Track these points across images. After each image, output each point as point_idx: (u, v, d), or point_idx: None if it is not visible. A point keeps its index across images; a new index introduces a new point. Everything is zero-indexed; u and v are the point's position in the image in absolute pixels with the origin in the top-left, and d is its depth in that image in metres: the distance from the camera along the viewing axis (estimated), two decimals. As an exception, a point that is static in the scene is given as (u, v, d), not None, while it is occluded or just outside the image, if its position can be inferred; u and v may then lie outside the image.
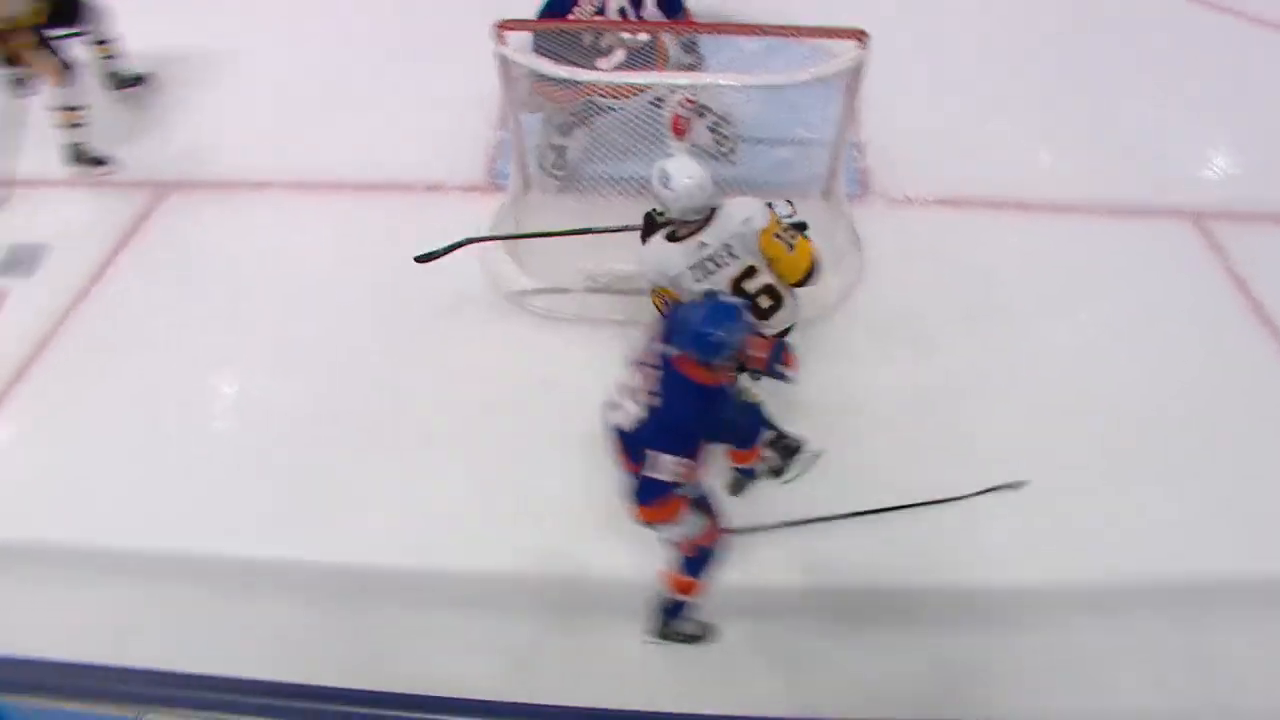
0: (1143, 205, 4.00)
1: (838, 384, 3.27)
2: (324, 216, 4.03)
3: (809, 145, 3.87)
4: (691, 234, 2.64)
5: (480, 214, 3.76)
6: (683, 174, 2.55)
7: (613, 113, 3.52)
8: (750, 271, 2.67)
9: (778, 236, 2.64)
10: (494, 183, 4.04)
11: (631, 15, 3.54)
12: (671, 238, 2.67)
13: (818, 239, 2.78)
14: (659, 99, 3.29)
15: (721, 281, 2.65)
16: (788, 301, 2.73)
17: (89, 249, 3.96)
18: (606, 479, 2.55)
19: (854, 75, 3.27)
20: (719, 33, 3.56)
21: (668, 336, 2.31)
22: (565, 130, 3.76)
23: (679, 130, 2.93)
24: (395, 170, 4.13)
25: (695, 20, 3.67)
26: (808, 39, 3.44)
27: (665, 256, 2.67)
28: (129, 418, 3.38)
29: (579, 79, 3.02)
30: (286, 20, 4.93)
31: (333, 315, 3.64)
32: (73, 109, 4.12)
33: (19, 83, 4.10)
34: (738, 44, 3.87)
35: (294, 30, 4.89)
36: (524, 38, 3.37)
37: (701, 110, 3.44)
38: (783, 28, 3.34)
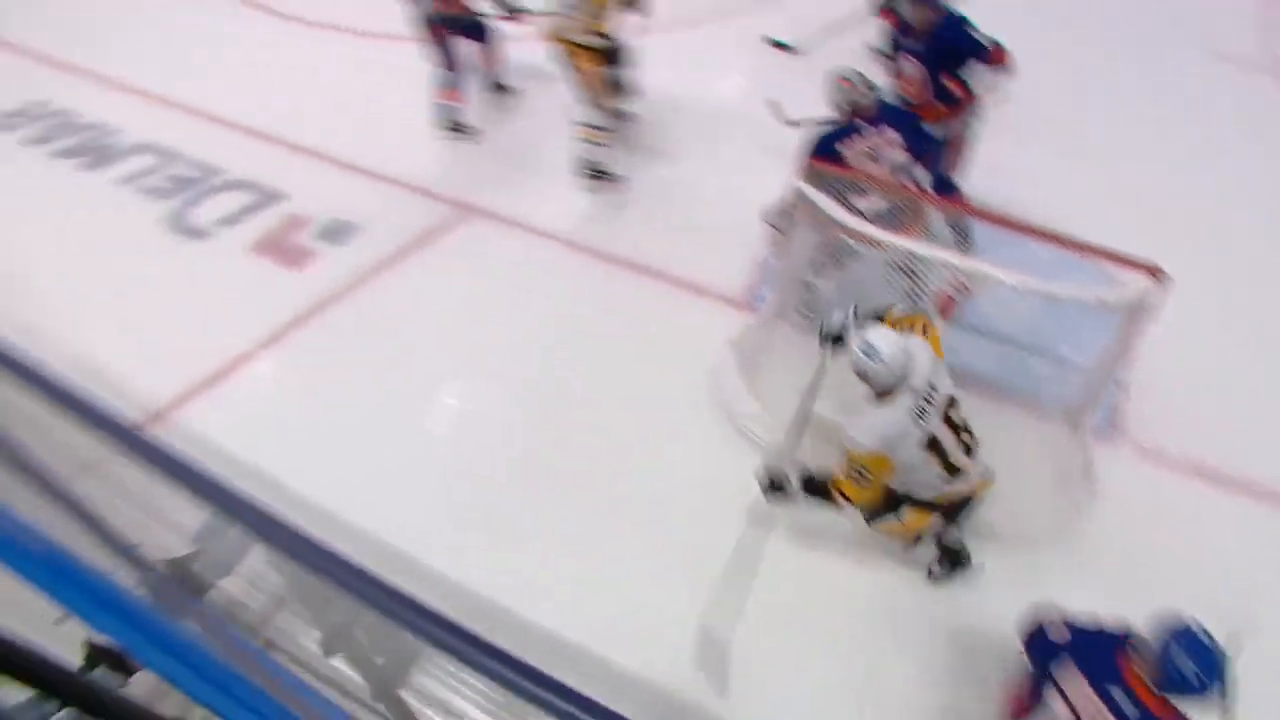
0: None
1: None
2: (585, 278, 4.37)
3: (1069, 365, 3.72)
4: (893, 393, 2.61)
5: (728, 328, 3.94)
6: (886, 345, 2.54)
7: (867, 261, 3.42)
8: (953, 401, 2.64)
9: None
10: (750, 302, 4.19)
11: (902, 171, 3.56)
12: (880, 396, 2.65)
13: (1050, 460, 2.61)
14: (915, 267, 3.22)
15: (936, 417, 2.62)
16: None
17: (390, 240, 4.54)
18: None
19: (1141, 310, 3.12)
20: (1005, 226, 3.52)
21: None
22: (819, 268, 3.76)
23: (947, 311, 2.92)
24: (664, 258, 4.41)
25: (977, 206, 3.66)
26: (1099, 260, 3.32)
27: (883, 419, 2.62)
28: (361, 394, 3.80)
29: (870, 233, 3.06)
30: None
31: (564, 368, 3.91)
32: (598, 129, 4.74)
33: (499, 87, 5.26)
34: (1026, 244, 3.82)
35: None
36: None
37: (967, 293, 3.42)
38: (1074, 241, 3.25)
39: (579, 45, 4.57)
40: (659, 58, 5.26)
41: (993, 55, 3.97)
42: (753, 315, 4.05)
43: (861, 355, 2.56)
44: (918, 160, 3.51)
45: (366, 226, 4.63)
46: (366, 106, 5.54)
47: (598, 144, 4.75)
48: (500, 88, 5.54)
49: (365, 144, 5.17)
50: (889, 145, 3.43)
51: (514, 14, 5.09)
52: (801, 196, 3.20)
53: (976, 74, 4.11)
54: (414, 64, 5.27)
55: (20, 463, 2.02)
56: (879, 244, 3.03)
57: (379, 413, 3.73)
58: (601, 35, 4.56)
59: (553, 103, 5.37)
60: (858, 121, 3.51)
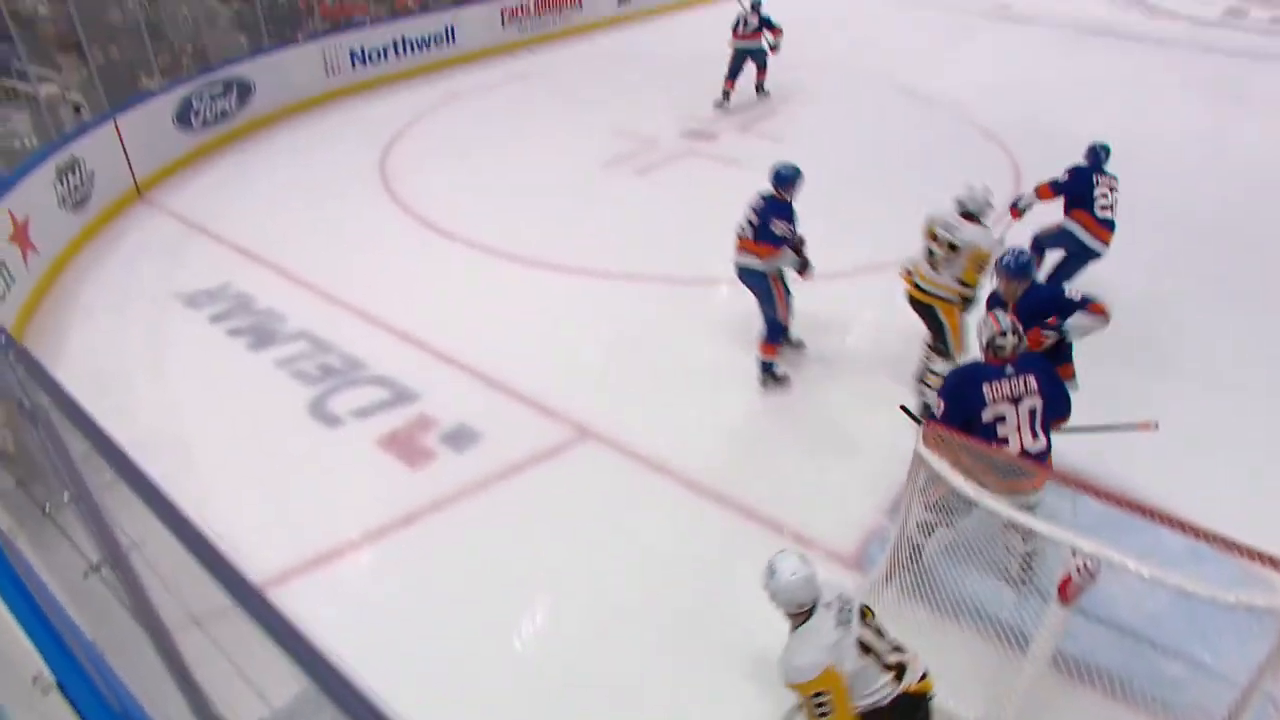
0: None
1: None
2: (694, 517, 4.37)
3: (1209, 676, 3.39)
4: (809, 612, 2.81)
5: (833, 585, 3.81)
6: (786, 566, 2.81)
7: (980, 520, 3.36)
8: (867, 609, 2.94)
9: None
10: (859, 561, 4.07)
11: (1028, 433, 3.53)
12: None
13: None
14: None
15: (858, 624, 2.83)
16: None
17: (508, 453, 4.72)
18: None
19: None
20: (1138, 513, 3.36)
21: None
22: (927, 528, 3.61)
23: (1066, 594, 2.76)
24: (777, 503, 4.39)
25: (1109, 492, 3.51)
26: (1244, 557, 3.10)
27: (811, 638, 2.77)
28: (451, 601, 3.86)
29: (988, 504, 3.01)
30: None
31: (658, 603, 3.87)
32: (938, 375, 4.77)
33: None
34: (1158, 533, 3.62)
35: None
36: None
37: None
38: (1218, 536, 3.06)
39: (945, 299, 4.77)
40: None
41: (1091, 307, 4.06)
42: (862, 576, 3.92)
43: (765, 577, 2.84)
44: (1050, 408, 3.57)
45: (489, 436, 4.85)
46: (506, 321, 5.98)
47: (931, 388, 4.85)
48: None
49: (501, 357, 5.51)
50: (1029, 393, 3.53)
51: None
52: (928, 466, 3.21)
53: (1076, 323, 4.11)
54: (558, 287, 5.73)
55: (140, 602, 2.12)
56: (999, 515, 2.97)
57: (465, 620, 3.76)
58: (968, 286, 4.75)
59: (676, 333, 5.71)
60: (1004, 365, 3.59)
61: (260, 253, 6.86)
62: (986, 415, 3.50)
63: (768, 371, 5.28)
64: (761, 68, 10.41)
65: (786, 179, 5.01)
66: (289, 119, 9.85)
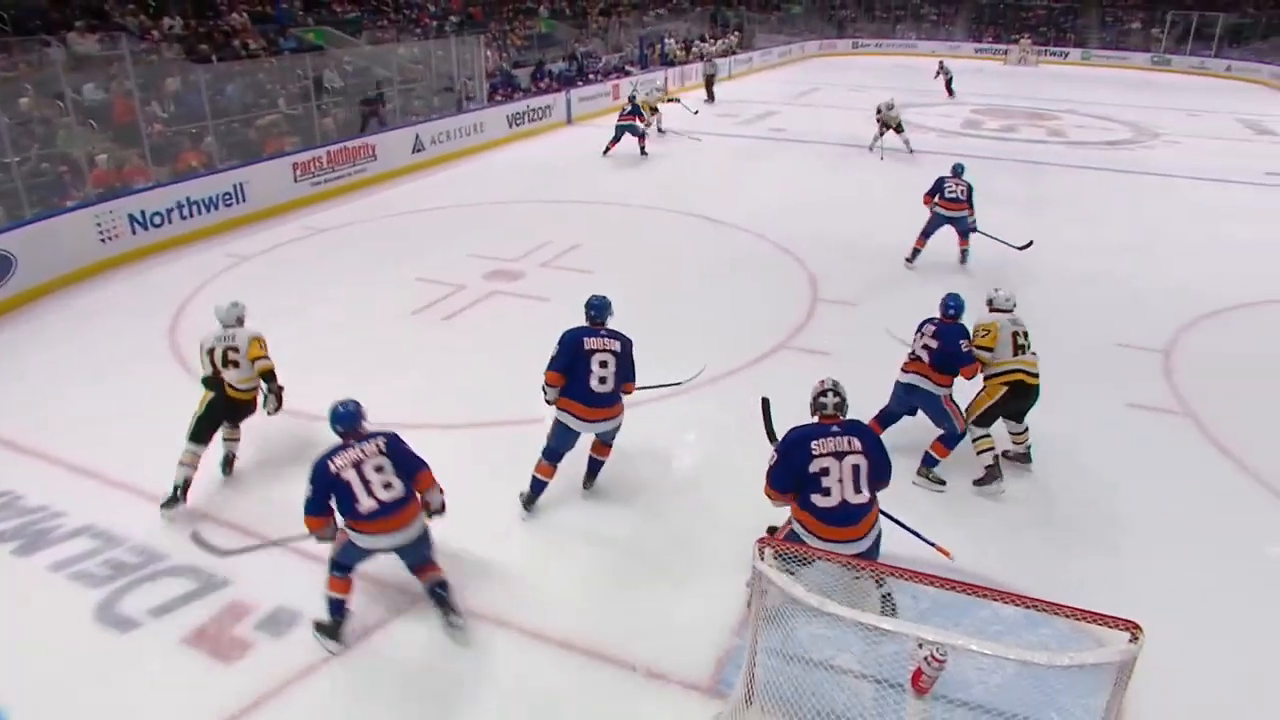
0: None
1: None
2: (527, 668, 4.14)
3: (1065, 733, 3.52)
4: None
5: (695, 715, 3.75)
6: None
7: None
8: None
9: None
10: (716, 688, 3.97)
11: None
12: None
13: None
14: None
15: None
16: None
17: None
18: None
19: (1123, 670, 3.03)
20: (973, 593, 3.55)
21: None
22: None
23: (920, 686, 2.81)
24: (625, 646, 4.22)
25: (939, 577, 3.70)
26: (1073, 619, 3.30)
27: None
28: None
29: (832, 612, 3.05)
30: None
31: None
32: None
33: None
34: (993, 606, 3.81)
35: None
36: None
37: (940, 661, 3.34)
38: (1046, 602, 3.26)
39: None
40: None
41: (965, 371, 5.39)
42: (721, 703, 3.81)
43: None
44: (874, 471, 3.99)
45: (312, 614, 4.41)
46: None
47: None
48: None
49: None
50: (853, 451, 3.95)
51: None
52: (769, 581, 3.22)
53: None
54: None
55: None
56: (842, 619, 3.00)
57: None
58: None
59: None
60: (831, 425, 4.06)
61: (32, 444, 6.14)
62: (812, 467, 3.92)
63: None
64: (641, 136, 15.40)
65: (597, 307, 5.17)
66: (61, 291, 9.11)
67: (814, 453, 3.93)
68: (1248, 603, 4.67)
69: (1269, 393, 7.08)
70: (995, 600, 3.21)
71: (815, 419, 4.16)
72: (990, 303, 5.73)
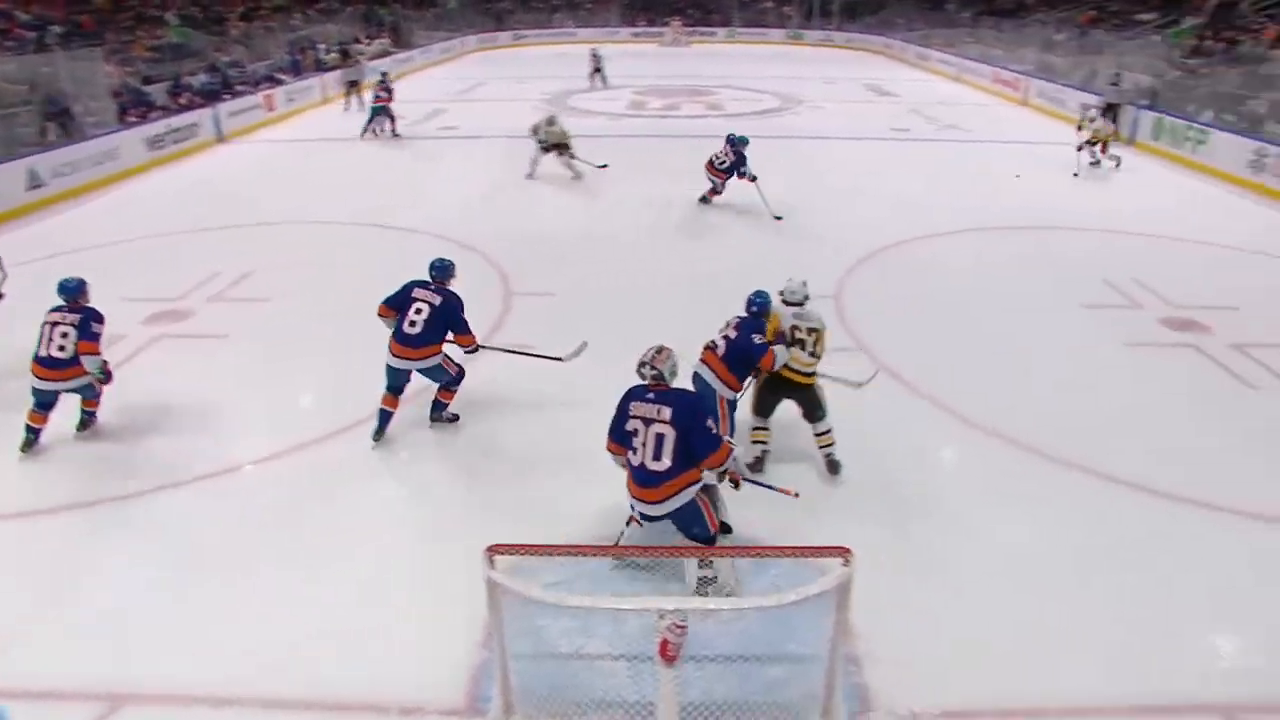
0: (1163, 702, 3.94)
1: None
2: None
3: (803, 662, 3.84)
4: None
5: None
6: None
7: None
8: None
9: None
10: (475, 706, 3.86)
11: None
12: None
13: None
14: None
15: None
16: None
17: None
18: None
19: (842, 592, 3.36)
20: (703, 555, 3.78)
21: None
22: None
23: (668, 655, 2.91)
24: (370, 688, 3.96)
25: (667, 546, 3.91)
26: (794, 555, 3.61)
27: None
28: None
29: (573, 604, 3.07)
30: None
31: None
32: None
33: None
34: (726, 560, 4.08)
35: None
36: (513, 561, 3.53)
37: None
38: (766, 548, 3.55)
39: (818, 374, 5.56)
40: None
41: (763, 362, 5.28)
42: (482, 718, 3.73)
43: None
44: (685, 442, 4.14)
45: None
46: None
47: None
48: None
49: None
50: (660, 420, 4.15)
51: None
52: (505, 589, 3.17)
53: None
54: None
55: None
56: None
57: None
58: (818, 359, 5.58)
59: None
60: (650, 390, 4.27)
61: None
62: (627, 426, 4.24)
63: None
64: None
65: (438, 268, 6.05)
66: None
67: (629, 413, 4.25)
68: (923, 511, 5.31)
69: (923, 321, 8.21)
70: (720, 556, 3.42)
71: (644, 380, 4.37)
72: (780, 293, 5.71)
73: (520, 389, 6.73)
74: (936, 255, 10.32)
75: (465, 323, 5.97)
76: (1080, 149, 14.40)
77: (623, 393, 4.40)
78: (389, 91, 17.26)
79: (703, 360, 5.51)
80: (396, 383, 5.92)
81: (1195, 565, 4.89)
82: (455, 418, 6.32)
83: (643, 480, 4.21)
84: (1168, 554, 4.98)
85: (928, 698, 3.90)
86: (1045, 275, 9.67)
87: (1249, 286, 9.29)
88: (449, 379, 6.09)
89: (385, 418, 6.02)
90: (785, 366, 5.41)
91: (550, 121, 13.77)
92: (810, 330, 5.46)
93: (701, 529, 4.27)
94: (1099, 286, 9.25)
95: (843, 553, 3.28)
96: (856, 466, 5.65)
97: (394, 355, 5.82)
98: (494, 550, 3.19)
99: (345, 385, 6.64)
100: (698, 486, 4.27)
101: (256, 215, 12.06)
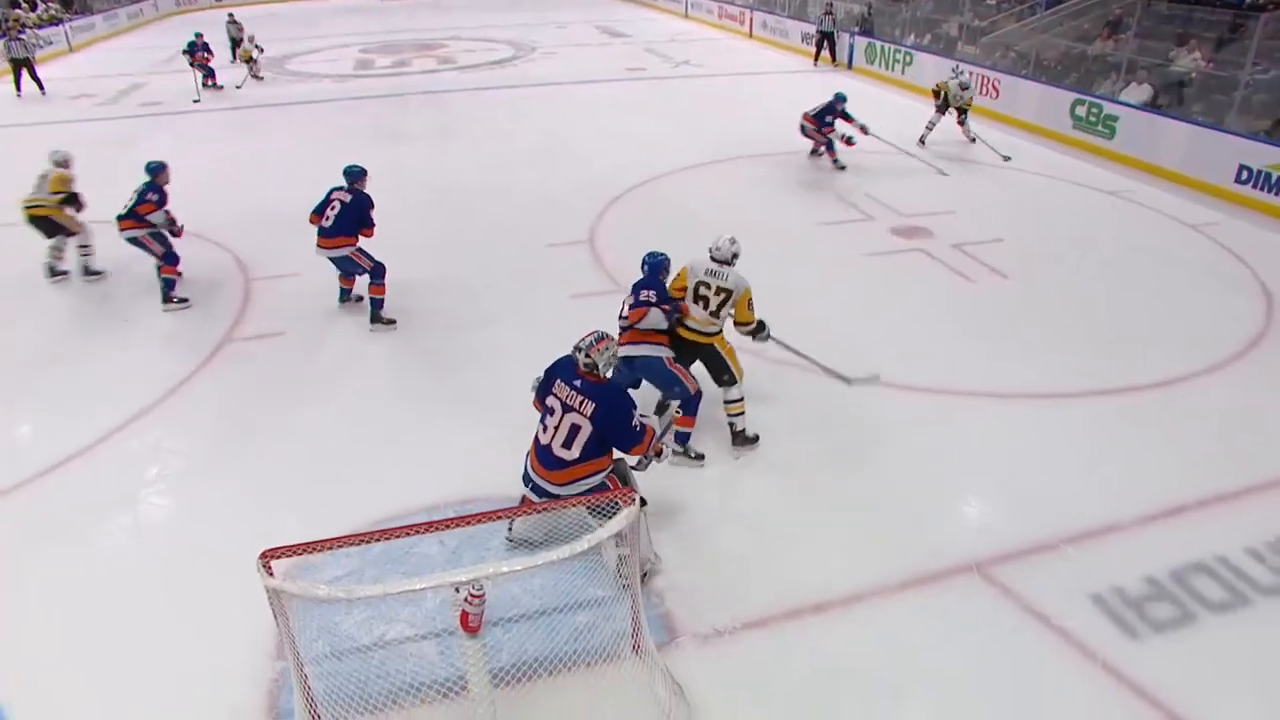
0: (929, 572, 4.46)
1: None
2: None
3: (606, 604, 4.00)
4: None
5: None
6: None
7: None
8: None
9: None
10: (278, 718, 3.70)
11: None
12: None
13: (638, 699, 2.70)
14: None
15: None
16: None
17: None
18: None
19: (632, 531, 3.51)
20: (499, 517, 3.80)
21: None
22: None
23: (469, 626, 2.91)
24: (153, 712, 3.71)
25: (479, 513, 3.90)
26: (581, 505, 3.71)
27: None
28: None
29: (362, 595, 2.98)
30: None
31: None
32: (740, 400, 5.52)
33: None
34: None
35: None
36: (294, 561, 3.37)
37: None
38: (561, 501, 3.65)
39: (720, 335, 5.41)
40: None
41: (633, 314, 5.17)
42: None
43: None
44: (603, 436, 4.07)
45: None
46: None
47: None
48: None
49: None
50: (579, 412, 4.05)
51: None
52: (286, 594, 3.01)
53: None
54: None
55: None
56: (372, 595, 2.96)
57: None
58: (745, 324, 5.51)
59: None
60: (579, 379, 4.13)
61: None
62: (547, 401, 4.16)
63: None
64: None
65: (350, 174, 7.07)
66: None
67: (552, 390, 4.17)
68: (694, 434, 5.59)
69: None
70: (508, 517, 3.46)
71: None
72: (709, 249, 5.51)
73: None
74: (683, 189, 10.77)
75: (371, 219, 7.01)
76: (933, 127, 12.72)
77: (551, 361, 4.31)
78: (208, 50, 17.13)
79: (624, 341, 5.15)
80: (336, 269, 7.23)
81: (936, 446, 5.58)
82: (392, 322, 7.14)
83: (547, 462, 4.10)
84: (913, 439, 5.65)
85: (727, 614, 4.21)
86: (787, 198, 10.38)
87: (962, 192, 10.51)
88: (363, 269, 7.04)
89: (344, 292, 7.52)
90: (682, 325, 5.30)
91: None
92: (719, 290, 5.25)
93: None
94: (835, 204, 10.08)
95: (628, 496, 3.42)
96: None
97: (318, 248, 6.98)
98: (268, 555, 3.03)
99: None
100: (605, 472, 4.18)
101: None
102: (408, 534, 3.21)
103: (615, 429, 4.09)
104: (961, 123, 12.59)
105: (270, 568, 3.04)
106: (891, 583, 4.40)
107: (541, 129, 13.73)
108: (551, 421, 4.10)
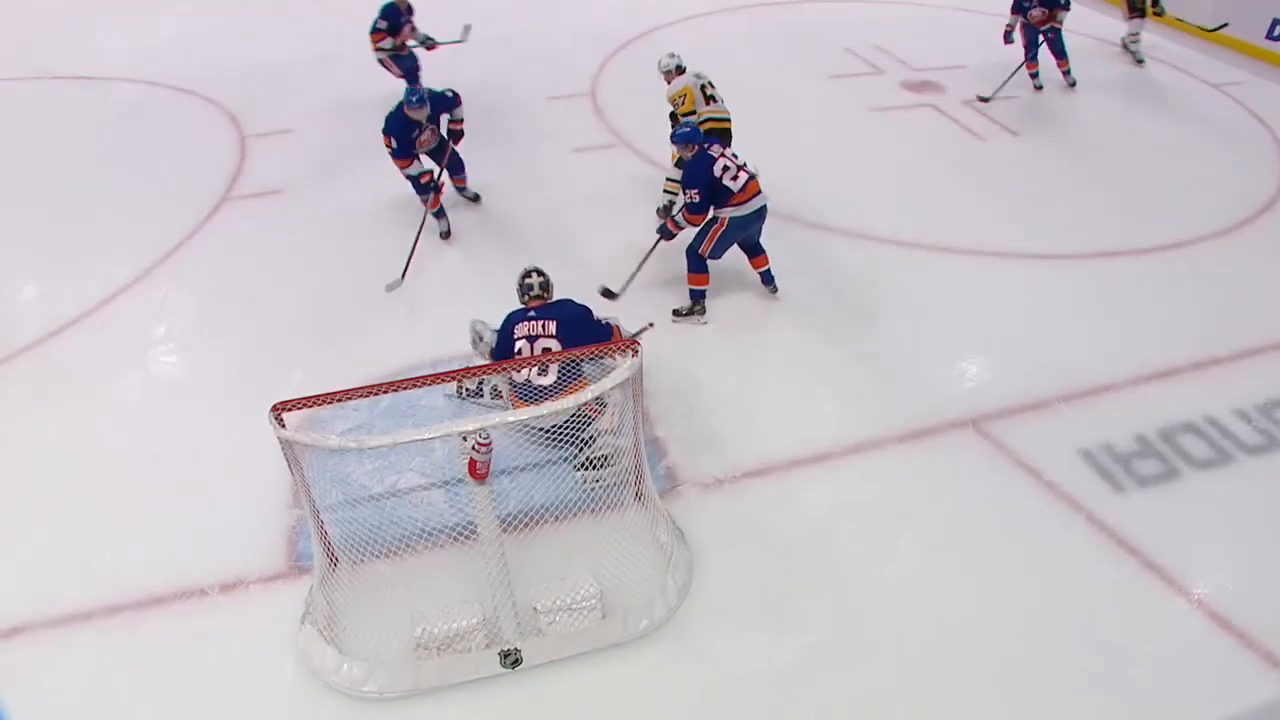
0: (925, 426, 4.61)
1: (700, 688, 3.36)
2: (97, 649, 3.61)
3: (611, 456, 4.12)
4: None
5: (287, 603, 3.65)
6: None
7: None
8: None
9: None
10: (297, 565, 3.88)
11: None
12: None
13: (640, 543, 2.83)
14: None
15: None
16: None
17: None
18: None
19: (635, 382, 3.59)
20: (504, 370, 3.92)
21: None
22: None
23: (477, 474, 3.02)
24: (179, 576, 3.86)
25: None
26: (595, 354, 3.78)
27: None
28: None
29: (372, 445, 3.06)
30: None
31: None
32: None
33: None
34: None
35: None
36: (304, 414, 3.47)
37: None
38: (566, 353, 3.75)
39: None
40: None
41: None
42: (311, 577, 3.72)
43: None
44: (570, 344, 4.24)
45: None
46: None
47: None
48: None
49: None
50: (545, 335, 4.30)
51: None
52: (299, 445, 3.11)
53: None
54: None
55: None
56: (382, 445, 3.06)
57: None
58: None
59: None
60: (531, 309, 4.44)
61: None
62: (515, 348, 4.30)
63: None
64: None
65: None
66: None
67: (514, 335, 4.34)
68: (683, 298, 5.56)
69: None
70: (513, 369, 3.52)
71: (524, 302, 4.53)
72: (667, 73, 6.34)
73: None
74: (679, 40, 10.24)
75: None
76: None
77: (503, 316, 4.48)
78: None
79: (749, 198, 5.23)
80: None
81: (937, 304, 5.63)
82: (476, 196, 6.79)
83: (528, 397, 4.18)
84: (914, 296, 5.70)
85: (728, 464, 4.36)
86: (792, 50, 9.99)
87: (974, 44, 10.09)
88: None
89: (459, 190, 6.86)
90: (713, 119, 6.10)
91: None
92: (710, 84, 6.25)
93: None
94: (842, 56, 9.71)
95: (632, 347, 3.48)
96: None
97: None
98: (279, 408, 3.12)
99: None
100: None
101: None
102: (415, 385, 3.28)
103: (580, 330, 4.35)
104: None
105: (282, 420, 3.13)
106: (889, 435, 4.55)
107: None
108: (524, 359, 4.22)
